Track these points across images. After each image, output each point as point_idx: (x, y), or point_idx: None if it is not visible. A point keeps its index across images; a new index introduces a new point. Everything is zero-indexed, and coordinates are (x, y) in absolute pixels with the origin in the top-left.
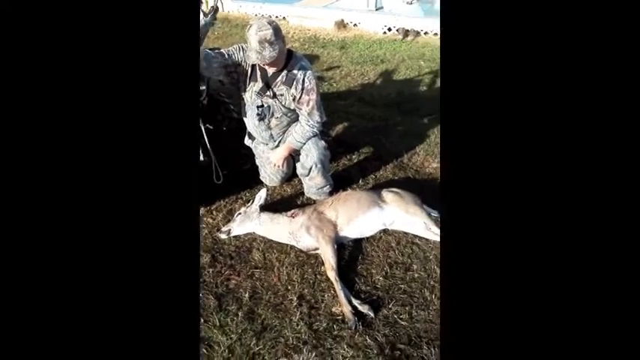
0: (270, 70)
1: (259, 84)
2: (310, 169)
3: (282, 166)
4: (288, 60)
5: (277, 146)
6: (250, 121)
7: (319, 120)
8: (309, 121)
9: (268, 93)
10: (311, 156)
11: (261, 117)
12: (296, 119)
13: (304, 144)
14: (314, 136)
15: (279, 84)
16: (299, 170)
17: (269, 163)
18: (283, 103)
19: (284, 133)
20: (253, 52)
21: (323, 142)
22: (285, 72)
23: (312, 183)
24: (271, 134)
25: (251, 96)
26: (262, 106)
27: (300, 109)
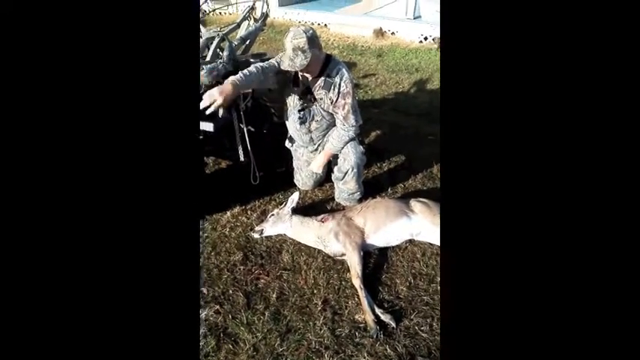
0: (308, 76)
1: (301, 88)
2: (346, 172)
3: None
4: (326, 65)
5: (316, 149)
6: (292, 125)
7: (354, 124)
8: (344, 125)
9: (309, 97)
10: (348, 160)
11: (303, 120)
12: (335, 122)
13: (342, 148)
14: (352, 140)
15: (318, 88)
16: (334, 174)
17: (307, 169)
18: (323, 107)
19: (324, 136)
20: (286, 58)
21: (361, 147)
22: (324, 77)
23: (345, 187)
24: (311, 137)
25: (293, 100)
26: (304, 109)
27: (337, 112)
